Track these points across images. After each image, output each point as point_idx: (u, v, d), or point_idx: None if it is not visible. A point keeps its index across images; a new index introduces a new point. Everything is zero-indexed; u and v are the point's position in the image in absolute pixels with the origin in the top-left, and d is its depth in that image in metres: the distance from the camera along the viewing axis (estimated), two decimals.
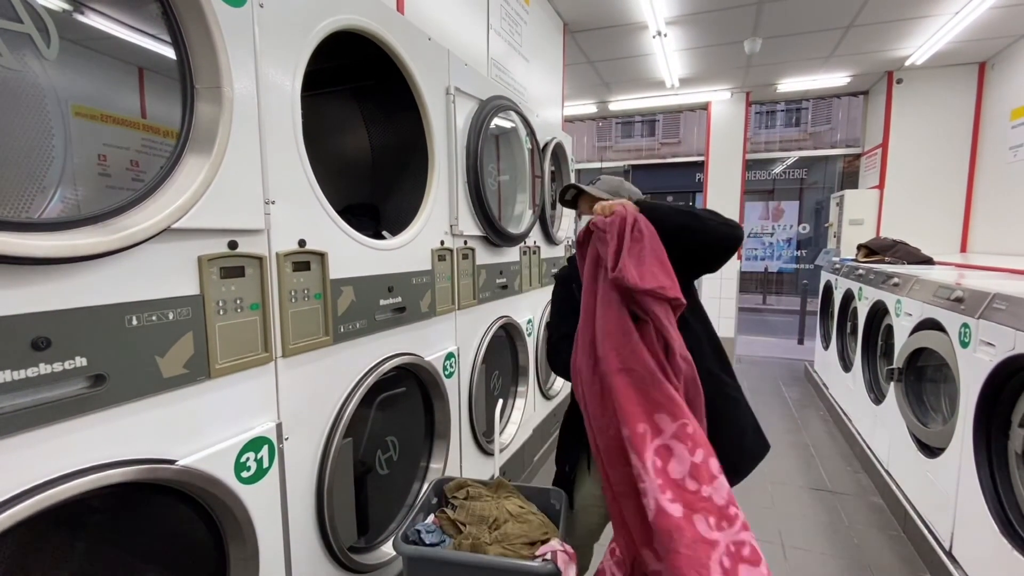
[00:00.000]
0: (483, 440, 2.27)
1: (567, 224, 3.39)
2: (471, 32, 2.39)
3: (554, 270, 3.12)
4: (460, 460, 2.11)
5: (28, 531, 1.05)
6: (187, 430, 1.00)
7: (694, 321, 1.37)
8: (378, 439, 1.76)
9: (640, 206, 1.30)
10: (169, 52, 0.99)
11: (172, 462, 0.96)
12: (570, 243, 3.38)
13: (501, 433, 2.57)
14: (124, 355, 0.87)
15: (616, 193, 1.46)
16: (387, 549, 1.66)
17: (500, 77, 2.68)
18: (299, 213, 1.24)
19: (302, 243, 1.24)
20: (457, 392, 2.04)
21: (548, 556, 1.25)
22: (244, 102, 1.06)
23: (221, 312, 1.04)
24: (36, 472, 0.78)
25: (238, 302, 1.08)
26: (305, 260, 1.25)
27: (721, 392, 1.37)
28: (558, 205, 3.46)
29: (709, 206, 5.49)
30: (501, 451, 2.44)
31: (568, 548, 1.29)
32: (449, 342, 1.99)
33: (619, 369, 1.16)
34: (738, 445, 1.40)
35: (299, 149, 1.23)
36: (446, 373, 1.93)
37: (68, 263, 0.79)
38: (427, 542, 1.31)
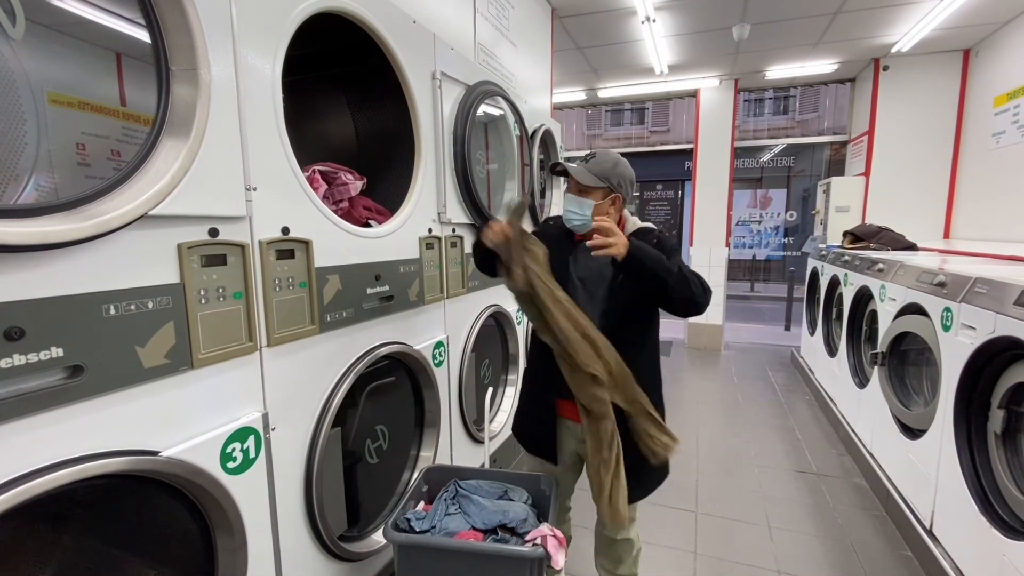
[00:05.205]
0: (473, 428, 2.27)
1: (556, 212, 3.37)
2: (457, 16, 2.35)
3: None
4: (451, 448, 2.11)
5: (11, 525, 1.03)
6: (171, 421, 0.99)
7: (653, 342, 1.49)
8: (368, 428, 1.76)
9: (639, 238, 1.37)
10: (145, 36, 0.95)
11: (155, 453, 0.95)
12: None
13: (491, 421, 2.57)
14: (102, 345, 0.85)
15: (606, 177, 1.42)
16: (377, 537, 1.66)
17: (487, 62, 2.64)
18: (282, 200, 1.21)
19: (286, 231, 1.22)
20: (447, 381, 2.04)
21: (538, 541, 1.26)
22: (222, 85, 1.03)
23: (203, 301, 1.02)
24: (14, 465, 0.77)
25: (220, 291, 1.06)
26: (289, 248, 1.23)
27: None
28: (547, 193, 3.44)
29: (698, 193, 5.50)
30: (491, 439, 2.44)
31: (558, 533, 1.30)
32: (438, 331, 1.98)
33: None
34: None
35: (281, 134, 1.20)
36: (436, 362, 1.92)
37: (41, 251, 0.76)
38: (417, 529, 1.32)
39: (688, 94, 5.63)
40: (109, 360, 0.86)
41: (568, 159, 1.49)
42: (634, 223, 1.50)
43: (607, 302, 1.40)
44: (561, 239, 1.51)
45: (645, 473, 1.45)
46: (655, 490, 1.51)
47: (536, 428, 1.58)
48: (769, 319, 7.72)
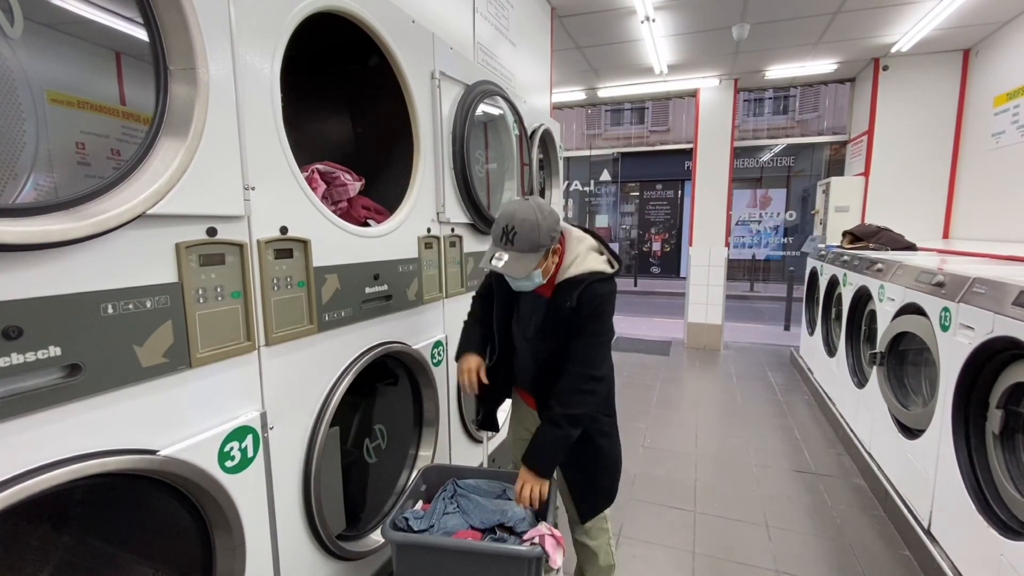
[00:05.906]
0: (472, 428, 2.27)
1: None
2: (456, 15, 2.35)
3: None
4: (449, 447, 2.11)
5: (10, 524, 1.04)
6: (169, 420, 0.99)
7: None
8: (367, 428, 1.76)
9: (563, 291, 1.44)
10: (144, 35, 0.95)
11: (154, 452, 0.95)
12: None
13: None
14: (100, 344, 0.85)
15: (539, 246, 1.35)
16: (376, 536, 1.67)
17: (487, 62, 2.64)
18: (280, 199, 1.22)
19: (284, 230, 1.22)
20: (446, 380, 2.04)
21: (536, 540, 1.26)
22: (221, 85, 1.03)
23: (201, 300, 1.02)
24: (12, 463, 0.77)
25: (219, 290, 1.06)
26: (287, 247, 1.24)
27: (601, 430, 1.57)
28: (546, 193, 3.45)
29: (698, 193, 5.49)
30: (490, 438, 2.45)
31: (556, 532, 1.30)
32: (437, 330, 1.98)
33: None
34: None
35: (279, 134, 1.20)
36: (434, 361, 1.92)
37: (39, 250, 0.76)
38: (415, 529, 1.32)
39: (688, 94, 5.63)
40: (107, 359, 0.86)
41: (502, 234, 1.36)
42: (564, 268, 1.44)
43: (540, 336, 1.52)
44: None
45: (589, 492, 1.58)
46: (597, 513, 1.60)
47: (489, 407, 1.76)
48: (768, 319, 7.72)
